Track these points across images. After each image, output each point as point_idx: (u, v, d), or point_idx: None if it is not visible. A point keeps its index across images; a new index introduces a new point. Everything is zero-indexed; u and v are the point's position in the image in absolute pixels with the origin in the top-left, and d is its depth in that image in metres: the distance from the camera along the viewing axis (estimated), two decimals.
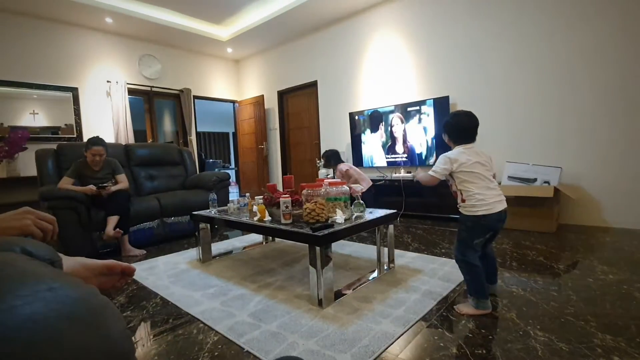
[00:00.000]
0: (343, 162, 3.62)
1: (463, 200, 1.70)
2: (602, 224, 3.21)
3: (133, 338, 1.60)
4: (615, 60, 3.05)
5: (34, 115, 4.41)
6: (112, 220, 2.87)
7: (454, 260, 2.37)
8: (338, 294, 1.90)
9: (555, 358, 1.27)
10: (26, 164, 4.14)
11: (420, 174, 1.86)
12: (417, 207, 3.94)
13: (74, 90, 4.71)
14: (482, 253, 1.75)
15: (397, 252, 2.58)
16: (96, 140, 3.03)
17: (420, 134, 4.10)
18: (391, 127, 4.36)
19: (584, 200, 3.27)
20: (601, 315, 1.56)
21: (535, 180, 3.21)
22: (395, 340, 1.44)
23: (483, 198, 1.65)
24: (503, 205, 1.69)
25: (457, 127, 1.77)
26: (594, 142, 3.20)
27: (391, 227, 2.32)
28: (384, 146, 4.48)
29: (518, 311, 1.64)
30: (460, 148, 1.74)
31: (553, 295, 1.80)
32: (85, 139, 3.09)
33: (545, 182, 3.16)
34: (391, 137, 4.38)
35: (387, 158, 4.45)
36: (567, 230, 3.12)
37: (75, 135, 4.70)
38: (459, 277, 2.05)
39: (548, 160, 3.38)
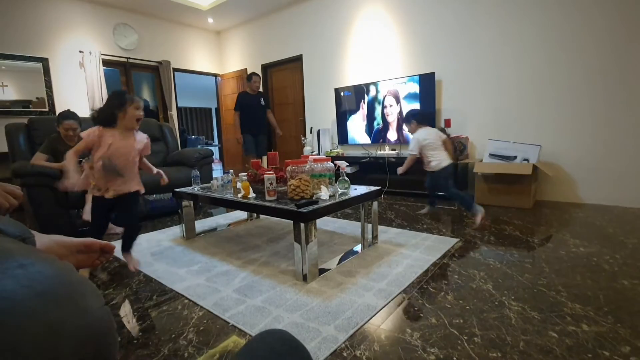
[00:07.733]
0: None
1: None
2: (576, 200, 3.34)
3: (119, 314, 1.59)
4: (594, 42, 3.07)
5: (2, 88, 4.15)
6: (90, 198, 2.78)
7: (434, 236, 2.46)
8: (322, 269, 1.93)
9: (528, 326, 1.34)
10: None
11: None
12: (401, 185, 3.99)
13: (44, 61, 4.44)
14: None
15: (380, 228, 2.63)
16: (67, 114, 2.90)
17: (405, 110, 4.09)
18: (377, 103, 4.34)
19: (560, 177, 3.38)
20: (571, 286, 1.65)
21: (515, 157, 3.28)
22: (377, 312, 1.49)
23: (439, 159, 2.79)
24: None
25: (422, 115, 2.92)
26: (572, 121, 3.27)
27: (375, 203, 2.35)
28: (368, 123, 4.46)
29: (494, 283, 1.71)
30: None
31: (527, 267, 1.88)
32: (58, 113, 2.98)
33: (524, 159, 3.23)
34: (376, 114, 4.37)
35: (371, 135, 4.45)
36: (543, 206, 3.24)
37: (47, 109, 4.47)
38: (439, 251, 2.13)
39: (529, 138, 3.45)
